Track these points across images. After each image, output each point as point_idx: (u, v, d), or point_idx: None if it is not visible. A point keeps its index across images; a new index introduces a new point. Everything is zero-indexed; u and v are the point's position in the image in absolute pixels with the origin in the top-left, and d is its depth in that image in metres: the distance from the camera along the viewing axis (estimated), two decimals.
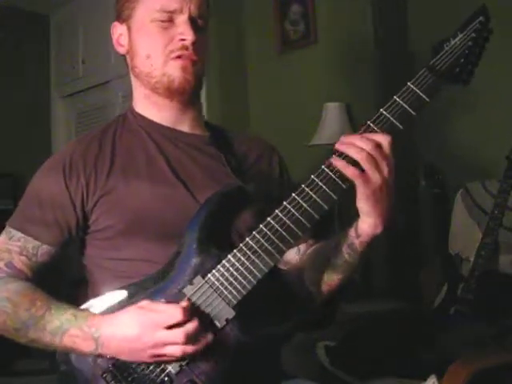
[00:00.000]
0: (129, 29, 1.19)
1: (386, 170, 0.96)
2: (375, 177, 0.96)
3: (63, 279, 1.24)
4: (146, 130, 1.20)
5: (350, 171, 0.95)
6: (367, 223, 1.01)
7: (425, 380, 1.48)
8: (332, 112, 2.58)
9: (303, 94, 2.85)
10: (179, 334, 0.94)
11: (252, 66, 3.13)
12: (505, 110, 2.39)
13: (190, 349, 0.95)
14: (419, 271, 2.27)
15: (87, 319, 1.02)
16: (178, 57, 1.14)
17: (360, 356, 1.84)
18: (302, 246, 1.22)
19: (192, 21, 1.14)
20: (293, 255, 1.22)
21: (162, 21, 1.14)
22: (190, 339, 0.95)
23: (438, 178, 2.25)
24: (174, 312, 0.95)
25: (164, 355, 0.97)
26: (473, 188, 2.22)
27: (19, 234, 1.12)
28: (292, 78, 2.92)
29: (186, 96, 1.17)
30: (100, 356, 1.01)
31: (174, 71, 1.14)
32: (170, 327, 0.95)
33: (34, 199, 1.14)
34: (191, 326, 0.95)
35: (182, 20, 1.14)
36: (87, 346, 1.00)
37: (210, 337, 0.97)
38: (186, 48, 1.13)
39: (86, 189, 1.12)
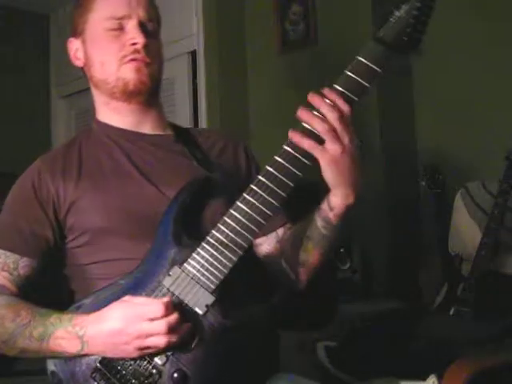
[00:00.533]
0: (83, 42, 1.24)
1: (346, 139, 0.98)
2: (334, 147, 0.97)
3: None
4: (110, 137, 1.23)
5: (306, 144, 0.98)
6: (337, 195, 1.03)
7: (425, 380, 1.48)
8: None
9: (303, 94, 2.84)
10: (162, 324, 0.96)
11: (252, 65, 3.13)
12: (505, 110, 2.39)
13: (173, 338, 0.97)
14: (419, 271, 2.27)
15: (71, 320, 1.03)
16: (131, 60, 1.17)
17: (360, 356, 1.83)
18: (280, 231, 1.24)
19: (141, 25, 1.19)
20: (272, 240, 1.23)
21: (113, 29, 1.19)
22: (172, 329, 0.96)
23: (438, 178, 2.25)
24: (156, 306, 0.97)
25: (148, 347, 0.98)
26: (473, 188, 2.22)
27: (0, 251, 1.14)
28: (292, 78, 2.92)
29: (143, 97, 1.21)
30: (86, 355, 1.02)
31: (128, 74, 1.18)
32: (153, 320, 0.97)
33: (10, 216, 1.18)
34: (173, 317, 0.97)
35: (131, 25, 1.19)
36: (73, 347, 1.01)
37: (189, 325, 0.98)
38: (138, 51, 1.18)
39: (57, 198, 1.15)
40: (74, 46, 1.26)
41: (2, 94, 3.65)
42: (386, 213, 2.57)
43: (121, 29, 1.19)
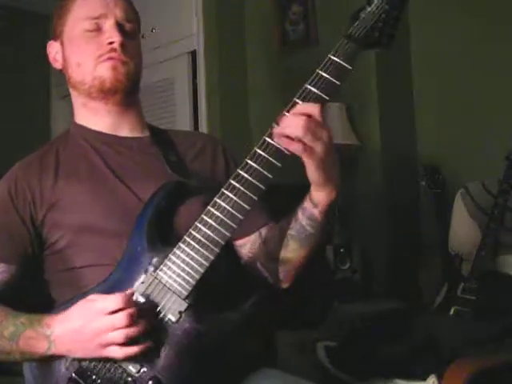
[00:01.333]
0: (62, 44, 1.24)
1: (324, 137, 0.99)
2: (317, 146, 0.98)
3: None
4: (87, 140, 1.23)
5: (294, 147, 0.98)
6: (322, 192, 1.05)
7: (425, 380, 1.48)
8: (332, 112, 2.58)
9: None
10: (120, 317, 0.95)
11: (252, 66, 3.13)
12: (505, 111, 2.39)
13: (132, 331, 0.96)
14: (419, 271, 2.27)
15: (41, 321, 1.03)
16: (108, 59, 1.17)
17: (360, 356, 1.83)
18: (264, 231, 1.23)
19: (118, 25, 1.19)
20: (255, 240, 1.23)
21: (90, 30, 1.19)
22: (131, 322, 0.95)
23: (438, 178, 2.25)
24: (114, 299, 0.97)
25: (110, 343, 0.97)
26: (473, 188, 2.22)
27: None
28: (292, 78, 2.92)
29: (120, 96, 1.20)
30: (54, 356, 1.02)
31: (105, 72, 1.17)
32: (113, 313, 0.96)
33: None
34: (132, 310, 0.96)
35: (108, 25, 1.18)
36: (41, 347, 1.02)
37: (151, 317, 0.98)
38: (115, 50, 1.17)
39: (33, 204, 1.15)
40: (54, 49, 1.27)
41: (2, 94, 3.65)
42: (385, 213, 2.57)
43: (98, 29, 1.19)
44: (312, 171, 1.02)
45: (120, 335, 0.96)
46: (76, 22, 1.21)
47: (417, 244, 2.61)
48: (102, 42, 1.18)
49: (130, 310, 0.96)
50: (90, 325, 0.97)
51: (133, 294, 1.00)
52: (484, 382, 1.44)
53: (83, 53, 1.19)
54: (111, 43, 1.17)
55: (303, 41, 2.89)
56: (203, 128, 3.05)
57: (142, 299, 1.01)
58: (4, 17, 3.67)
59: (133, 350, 0.97)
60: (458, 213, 2.21)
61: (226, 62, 3.09)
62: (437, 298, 2.07)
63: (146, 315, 0.98)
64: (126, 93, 1.20)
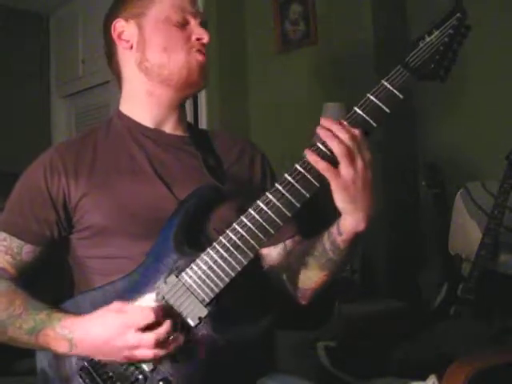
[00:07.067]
0: (139, 26, 1.20)
1: (360, 165, 0.97)
2: (347, 171, 0.96)
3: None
4: (130, 131, 1.21)
5: (321, 165, 0.96)
6: (348, 220, 1.01)
7: (425, 380, 1.48)
8: (332, 112, 2.58)
9: (303, 94, 2.85)
10: (150, 338, 0.94)
11: (252, 65, 3.13)
12: (505, 111, 2.39)
13: (161, 352, 0.95)
14: (419, 271, 2.27)
15: (60, 320, 1.03)
16: (198, 51, 1.18)
17: (360, 356, 1.84)
18: (289, 243, 1.22)
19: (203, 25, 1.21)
20: (279, 251, 1.22)
21: (179, 21, 1.18)
22: (160, 343, 0.95)
23: (438, 178, 2.25)
24: (145, 313, 0.95)
25: (136, 357, 0.96)
26: (473, 188, 2.22)
27: (4, 235, 1.15)
28: (292, 78, 2.92)
29: (191, 92, 1.21)
30: (75, 355, 1.02)
31: (195, 64, 1.17)
32: (142, 329, 0.95)
33: (18, 202, 1.17)
34: (163, 330, 0.95)
35: (197, 22, 1.20)
36: (61, 347, 1.01)
37: (181, 339, 0.97)
38: (203, 46, 1.18)
39: (67, 188, 1.14)
40: (121, 27, 1.21)
41: (1, 94, 3.65)
42: (385, 213, 2.58)
43: (184, 24, 1.18)
44: (335, 195, 0.98)
45: (148, 354, 0.95)
46: (165, 11, 1.18)
47: (417, 244, 2.61)
48: (189, 35, 1.18)
49: (160, 333, 0.95)
50: (117, 340, 0.96)
51: (161, 308, 0.98)
52: (484, 382, 1.44)
53: (172, 39, 1.17)
54: (199, 39, 1.17)
55: (303, 41, 2.90)
56: (203, 128, 3.05)
57: (163, 300, 1.00)
58: (3, 17, 3.67)
59: (159, 359, 0.97)
60: (457, 213, 2.21)
61: (226, 61, 3.09)
62: (437, 298, 2.07)
63: (175, 329, 0.97)
64: (198, 91, 1.22)
